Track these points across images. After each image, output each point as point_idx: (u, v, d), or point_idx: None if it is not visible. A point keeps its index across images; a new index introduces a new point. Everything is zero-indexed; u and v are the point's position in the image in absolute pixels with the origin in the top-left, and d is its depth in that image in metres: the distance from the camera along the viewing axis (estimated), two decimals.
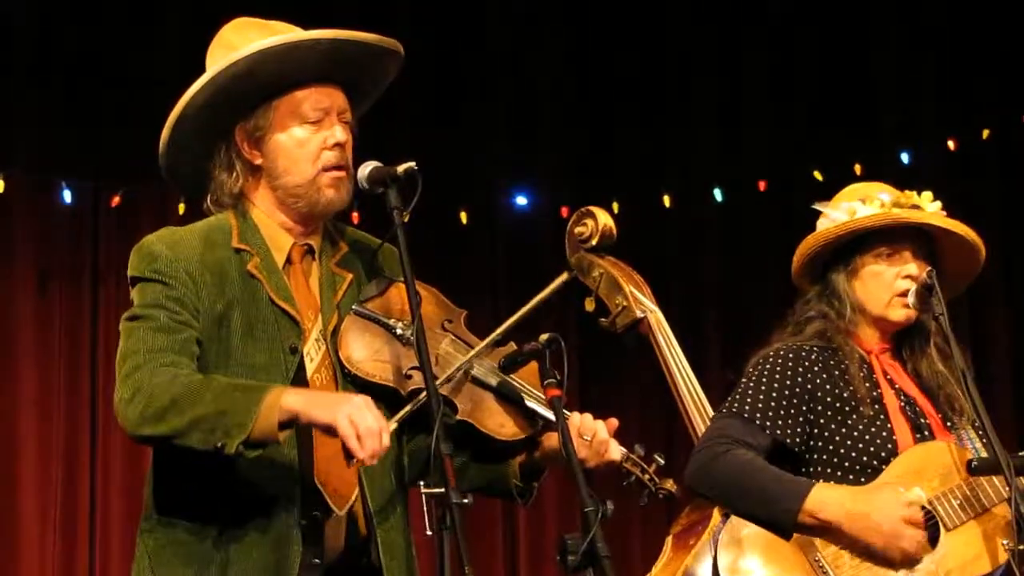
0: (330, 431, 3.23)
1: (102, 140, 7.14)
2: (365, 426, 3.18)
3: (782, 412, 4.01)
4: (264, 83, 3.45)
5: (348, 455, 3.21)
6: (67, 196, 7.14)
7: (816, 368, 4.06)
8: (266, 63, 3.42)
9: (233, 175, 3.50)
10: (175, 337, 3.35)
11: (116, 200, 7.16)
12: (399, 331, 3.47)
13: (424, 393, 3.31)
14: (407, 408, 3.36)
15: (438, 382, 3.38)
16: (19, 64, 7.09)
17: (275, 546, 3.35)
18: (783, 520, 3.89)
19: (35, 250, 7.14)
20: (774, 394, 4.02)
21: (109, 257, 7.13)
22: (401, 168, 3.43)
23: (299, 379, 3.43)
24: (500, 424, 3.49)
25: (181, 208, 6.74)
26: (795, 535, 3.93)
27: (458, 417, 3.45)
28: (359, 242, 3.65)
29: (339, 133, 3.48)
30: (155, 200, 7.05)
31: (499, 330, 3.47)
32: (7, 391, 7.03)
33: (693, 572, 4.45)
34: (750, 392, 4.04)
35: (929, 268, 4.02)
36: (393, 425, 3.26)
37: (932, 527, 3.93)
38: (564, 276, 3.51)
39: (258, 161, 3.49)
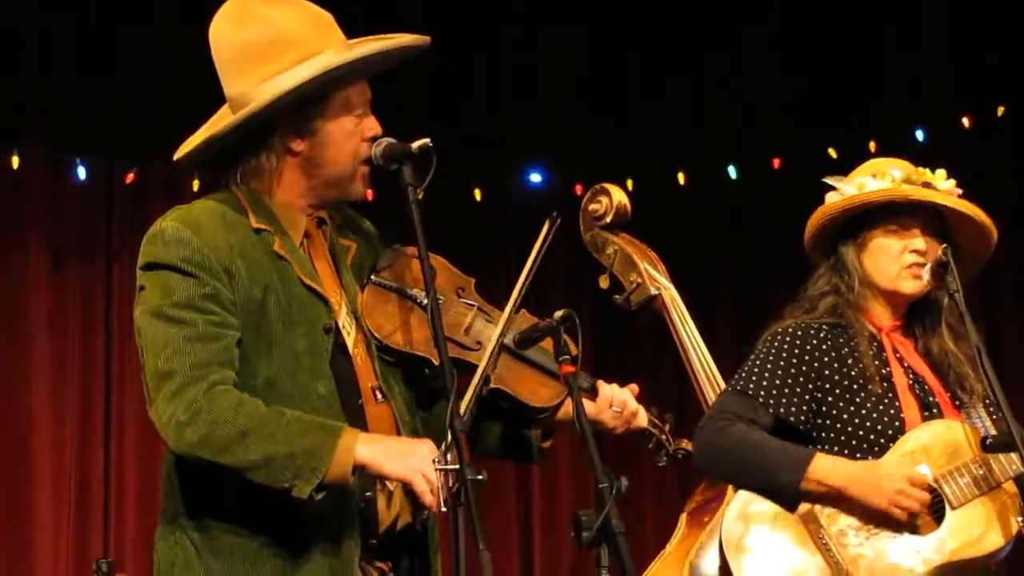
0: (403, 482, 3.26)
1: (116, 117, 7.14)
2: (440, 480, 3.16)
3: (786, 391, 4.01)
4: (334, 77, 3.40)
5: (419, 504, 3.26)
6: (81, 173, 7.15)
7: (824, 346, 4.06)
8: (356, 62, 3.40)
9: (272, 159, 3.43)
10: (217, 346, 3.27)
11: (130, 177, 7.17)
12: (424, 302, 3.42)
13: (478, 378, 3.34)
14: (470, 395, 3.34)
15: (485, 358, 3.39)
16: (31, 41, 7.09)
17: (335, 532, 3.31)
18: (787, 489, 3.91)
19: (49, 227, 7.15)
20: (780, 372, 4.03)
21: (123, 233, 7.14)
22: (416, 145, 3.41)
23: (338, 358, 3.40)
24: (532, 391, 3.49)
25: (195, 185, 6.74)
26: (800, 511, 3.95)
27: (491, 385, 3.43)
28: (348, 214, 3.63)
29: (376, 125, 3.47)
30: (169, 177, 7.04)
31: (514, 295, 3.45)
32: (21, 368, 7.04)
33: (706, 550, 4.45)
34: (756, 370, 4.05)
35: (944, 245, 4.03)
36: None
37: (939, 506, 3.93)
38: (547, 224, 3.50)
39: (300, 148, 3.42)
